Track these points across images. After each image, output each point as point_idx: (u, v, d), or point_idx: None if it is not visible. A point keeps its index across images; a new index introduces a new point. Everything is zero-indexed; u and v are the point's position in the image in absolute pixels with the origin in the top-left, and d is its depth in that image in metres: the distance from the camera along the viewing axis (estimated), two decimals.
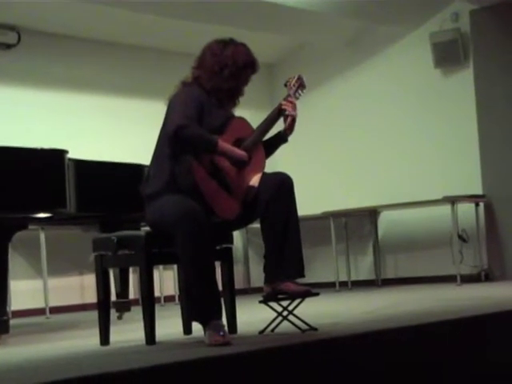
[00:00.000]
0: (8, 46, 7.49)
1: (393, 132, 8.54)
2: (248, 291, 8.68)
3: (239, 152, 3.71)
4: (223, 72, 3.74)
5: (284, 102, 3.87)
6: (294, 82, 3.96)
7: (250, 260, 8.98)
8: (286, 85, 3.96)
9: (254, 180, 3.75)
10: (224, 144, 3.66)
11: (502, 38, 7.86)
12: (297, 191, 3.76)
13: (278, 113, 3.87)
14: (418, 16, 8.23)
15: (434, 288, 7.14)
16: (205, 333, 3.46)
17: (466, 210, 7.75)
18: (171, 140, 3.59)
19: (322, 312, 4.80)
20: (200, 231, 3.44)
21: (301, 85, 3.96)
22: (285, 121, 3.88)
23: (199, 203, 3.52)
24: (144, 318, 3.63)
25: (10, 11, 7.21)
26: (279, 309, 3.73)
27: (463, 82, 8.07)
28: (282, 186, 3.73)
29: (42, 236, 7.06)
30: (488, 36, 7.91)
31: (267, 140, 3.92)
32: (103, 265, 3.83)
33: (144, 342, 3.62)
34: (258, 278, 7.75)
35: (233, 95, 3.82)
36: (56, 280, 7.41)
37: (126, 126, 8.15)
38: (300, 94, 3.95)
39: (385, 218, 8.57)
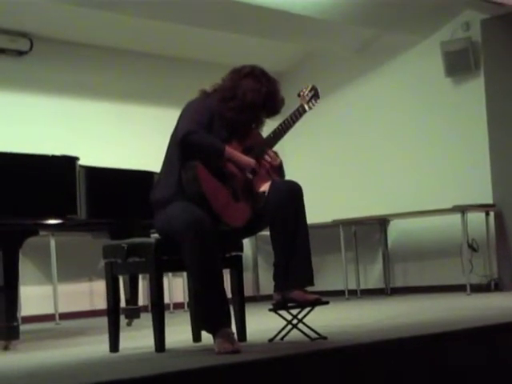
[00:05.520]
0: (20, 53, 7.52)
1: (403, 140, 8.53)
2: (257, 298, 8.68)
3: (247, 159, 3.70)
4: (230, 102, 3.68)
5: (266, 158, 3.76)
6: (307, 92, 3.93)
7: (260, 267, 8.97)
8: (299, 95, 3.93)
9: (264, 187, 3.75)
10: (231, 150, 3.65)
11: None
12: (306, 199, 3.76)
13: (284, 129, 3.82)
14: (429, 25, 8.22)
15: (444, 297, 7.12)
16: (214, 341, 3.46)
17: (476, 219, 7.72)
18: (179, 145, 3.60)
19: (332, 320, 4.79)
20: (206, 240, 3.44)
21: (315, 95, 3.94)
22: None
23: (206, 210, 3.52)
24: (153, 324, 3.63)
25: (23, 18, 7.25)
26: (289, 317, 3.73)
27: (474, 91, 8.05)
28: (291, 193, 3.73)
29: (53, 242, 7.08)
30: (499, 45, 7.90)
31: None
32: (113, 272, 3.84)
33: (153, 349, 3.62)
34: (267, 285, 7.72)
35: (234, 128, 3.72)
36: (66, 286, 7.43)
37: (137, 133, 8.17)
38: (314, 104, 3.92)
39: (394, 227, 8.56)
